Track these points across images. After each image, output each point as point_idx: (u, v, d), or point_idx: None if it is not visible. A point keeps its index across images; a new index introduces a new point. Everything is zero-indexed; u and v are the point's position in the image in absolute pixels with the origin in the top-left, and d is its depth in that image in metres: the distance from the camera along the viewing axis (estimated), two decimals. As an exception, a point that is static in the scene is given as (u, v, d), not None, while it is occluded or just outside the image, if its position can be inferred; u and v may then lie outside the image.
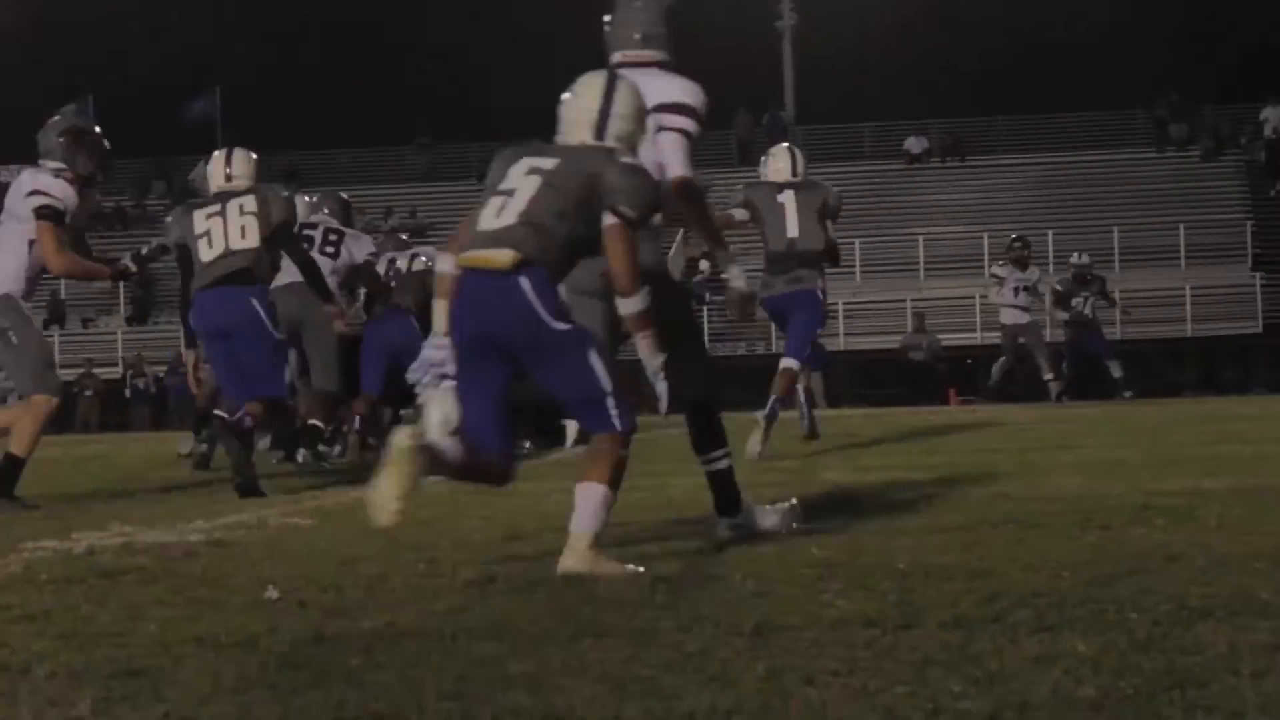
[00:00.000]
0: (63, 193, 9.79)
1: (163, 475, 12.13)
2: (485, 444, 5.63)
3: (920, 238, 42.03)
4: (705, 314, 41.70)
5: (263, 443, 13.56)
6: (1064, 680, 3.46)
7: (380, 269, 13.99)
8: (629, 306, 5.75)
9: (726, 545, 6.11)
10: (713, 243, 7.15)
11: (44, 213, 9.67)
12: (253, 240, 10.27)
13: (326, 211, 14.04)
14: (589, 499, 5.51)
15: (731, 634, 4.10)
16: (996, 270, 25.29)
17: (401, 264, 14.32)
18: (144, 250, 13.59)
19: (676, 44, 6.85)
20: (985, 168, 46.74)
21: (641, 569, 5.37)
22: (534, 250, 5.64)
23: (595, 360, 5.61)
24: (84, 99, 55.15)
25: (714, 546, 6.12)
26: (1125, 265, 38.85)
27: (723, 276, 7.15)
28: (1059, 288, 25.49)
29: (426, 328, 6.29)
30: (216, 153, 11.06)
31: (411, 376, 5.88)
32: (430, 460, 5.37)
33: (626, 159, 5.89)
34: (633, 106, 6.10)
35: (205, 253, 10.28)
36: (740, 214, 12.99)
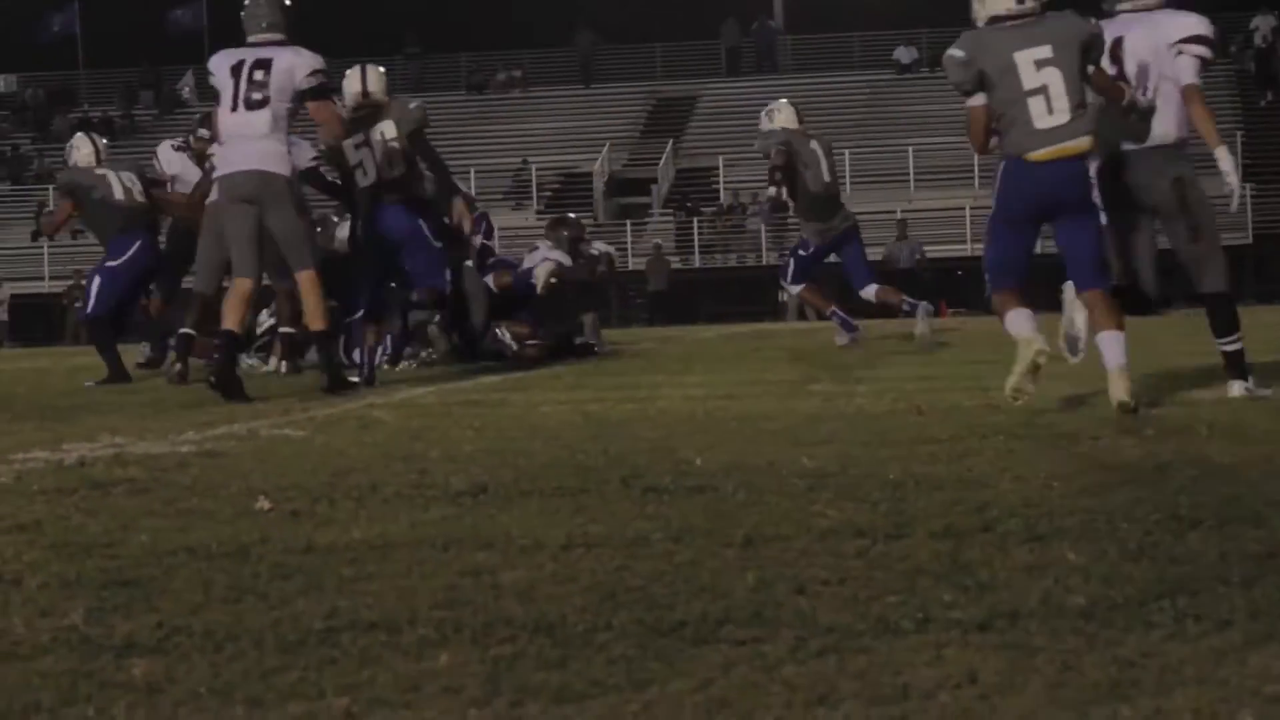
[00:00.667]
0: None
1: (152, 386, 12.12)
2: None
3: (910, 148, 41.95)
4: (695, 225, 41.67)
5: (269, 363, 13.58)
6: (1054, 589, 3.47)
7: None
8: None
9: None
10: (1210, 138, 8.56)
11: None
12: (399, 169, 11.78)
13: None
14: (1115, 341, 7.66)
15: (722, 544, 4.11)
16: None
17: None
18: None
19: None
20: (976, 78, 46.50)
21: None
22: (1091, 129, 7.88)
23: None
24: (70, 8, 54.97)
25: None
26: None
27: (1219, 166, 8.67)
28: None
29: None
30: (351, 70, 12.12)
31: None
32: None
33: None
34: None
35: (362, 180, 11.83)
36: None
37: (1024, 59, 7.82)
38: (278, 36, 10.54)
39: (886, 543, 4.07)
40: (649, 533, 4.31)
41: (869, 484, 5.11)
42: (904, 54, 49.56)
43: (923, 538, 4.12)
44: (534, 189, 45.51)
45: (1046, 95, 7.76)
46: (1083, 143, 7.78)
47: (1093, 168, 7.92)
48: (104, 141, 14.78)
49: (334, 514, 4.84)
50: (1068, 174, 7.80)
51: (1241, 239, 36.84)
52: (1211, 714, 2.59)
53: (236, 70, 10.44)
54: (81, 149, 14.19)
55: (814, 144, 15.89)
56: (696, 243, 42.05)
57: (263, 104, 10.34)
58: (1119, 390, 7.45)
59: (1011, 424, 6.87)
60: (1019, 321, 7.87)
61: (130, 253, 13.54)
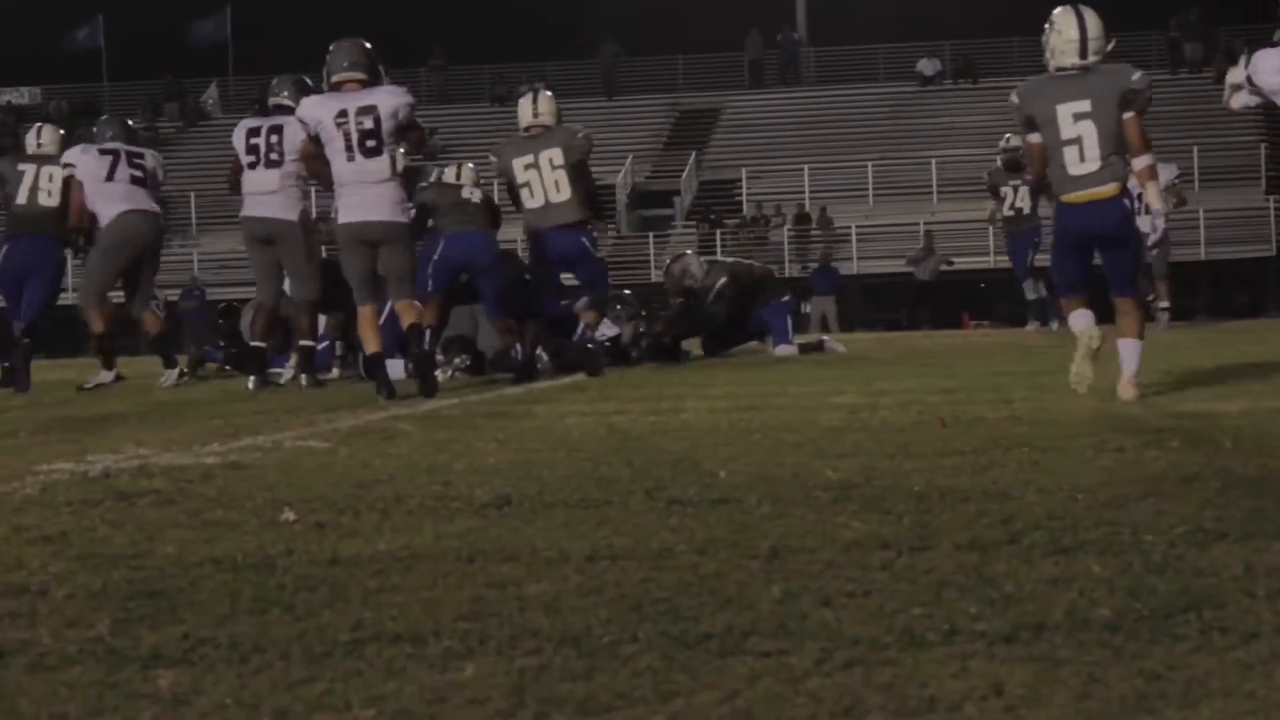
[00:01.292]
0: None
1: (176, 398, 12.16)
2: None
3: (933, 161, 41.94)
4: (718, 238, 41.66)
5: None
6: (1080, 602, 3.46)
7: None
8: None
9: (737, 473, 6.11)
10: None
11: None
12: (565, 194, 13.15)
13: (285, 95, 13.33)
14: (1132, 349, 8.84)
15: (747, 556, 4.11)
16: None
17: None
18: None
19: None
20: (998, 90, 46.44)
21: None
22: (1120, 176, 8.92)
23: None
24: (95, 21, 55.14)
25: None
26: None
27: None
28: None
29: None
30: (523, 99, 13.64)
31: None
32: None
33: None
34: (1100, 28, 8.94)
35: (529, 200, 13.21)
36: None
37: (1064, 111, 8.84)
38: (361, 75, 11.28)
39: (911, 555, 4.06)
40: (673, 545, 4.31)
41: (893, 496, 5.10)
42: (927, 66, 49.57)
43: (948, 550, 4.11)
44: (557, 200, 45.48)
45: (1080, 146, 8.81)
46: (1109, 189, 8.87)
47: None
48: (60, 134, 15.02)
49: (359, 526, 4.84)
50: (1101, 213, 8.86)
51: (1265, 251, 36.77)
52: (1238, 727, 2.59)
53: (342, 118, 11.10)
54: (33, 137, 14.50)
55: None
56: (720, 255, 42.03)
57: (377, 151, 11.10)
58: (1125, 392, 8.74)
59: (1035, 436, 6.86)
60: (1077, 318, 9.06)
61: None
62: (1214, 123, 41.95)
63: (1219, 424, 7.13)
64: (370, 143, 11.09)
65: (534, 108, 13.44)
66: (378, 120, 11.09)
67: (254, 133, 12.99)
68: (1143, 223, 10.27)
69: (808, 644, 3.17)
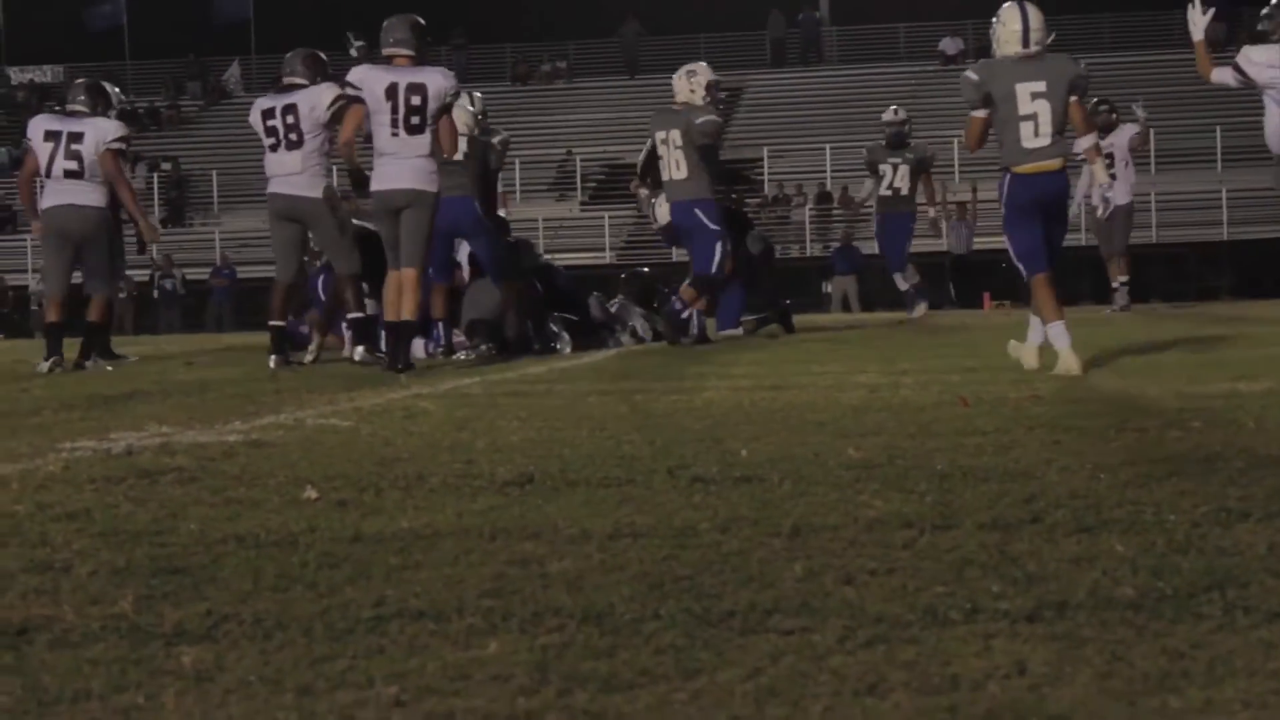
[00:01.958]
0: None
1: (198, 377, 12.18)
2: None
3: (955, 140, 41.79)
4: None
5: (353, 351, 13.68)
6: (1103, 581, 3.46)
7: None
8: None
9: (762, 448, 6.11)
10: None
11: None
12: (682, 173, 14.85)
13: (296, 72, 13.21)
14: (1058, 329, 9.44)
15: (769, 534, 4.11)
16: None
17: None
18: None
19: None
20: (1021, 69, 46.34)
21: None
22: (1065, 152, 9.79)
23: None
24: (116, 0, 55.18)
25: None
26: (1161, 168, 38.61)
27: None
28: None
29: None
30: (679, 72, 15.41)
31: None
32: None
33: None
34: (1041, 21, 9.74)
35: (663, 173, 14.97)
36: None
37: (1023, 89, 9.68)
38: (410, 51, 11.79)
39: (934, 534, 4.06)
40: (696, 523, 4.31)
41: (916, 475, 5.10)
42: (949, 45, 49.49)
43: (970, 529, 4.11)
44: (578, 180, 45.54)
45: (1035, 121, 9.66)
46: (1056, 163, 9.70)
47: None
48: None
49: (381, 503, 4.85)
50: (1047, 184, 9.71)
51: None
52: (1262, 705, 2.58)
53: (392, 92, 11.61)
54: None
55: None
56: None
57: (420, 129, 11.64)
58: (1073, 365, 9.26)
59: (1057, 415, 6.85)
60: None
61: None
62: (1237, 102, 41.75)
63: (1242, 404, 7.12)
64: (415, 119, 11.57)
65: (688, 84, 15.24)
66: (425, 99, 11.54)
67: (269, 114, 12.98)
68: (1095, 195, 11.08)
69: (830, 622, 3.16)
